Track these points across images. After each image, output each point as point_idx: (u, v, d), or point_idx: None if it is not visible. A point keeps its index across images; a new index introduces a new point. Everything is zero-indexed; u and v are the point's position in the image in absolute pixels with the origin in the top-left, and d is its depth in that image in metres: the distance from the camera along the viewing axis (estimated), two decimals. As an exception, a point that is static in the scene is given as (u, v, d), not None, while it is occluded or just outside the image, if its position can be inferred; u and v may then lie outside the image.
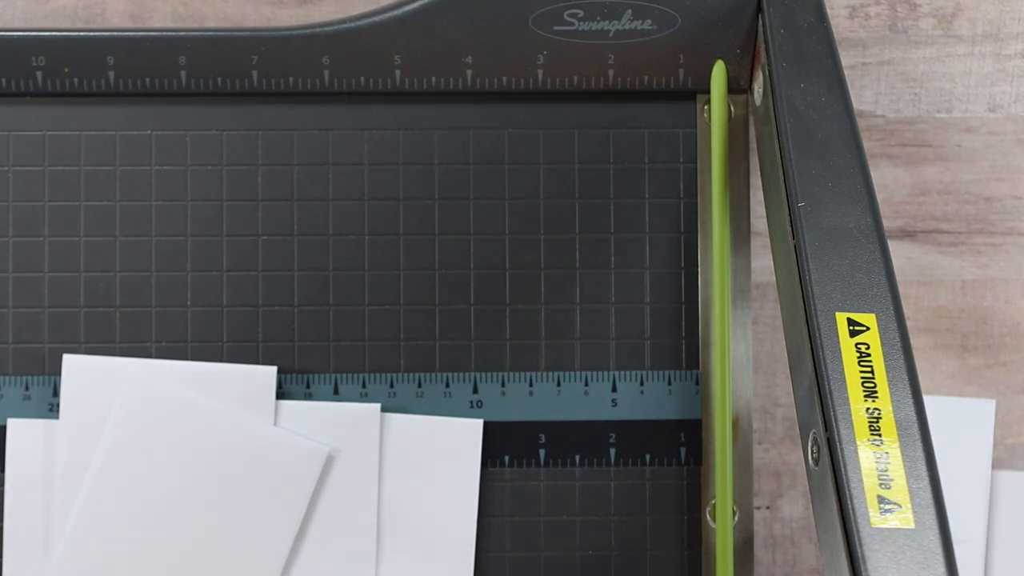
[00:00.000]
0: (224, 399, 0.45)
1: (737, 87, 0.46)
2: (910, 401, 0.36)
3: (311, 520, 0.45)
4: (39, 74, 0.45)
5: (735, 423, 0.46)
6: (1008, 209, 0.49)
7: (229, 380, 0.45)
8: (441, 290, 0.46)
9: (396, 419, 0.46)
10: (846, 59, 0.48)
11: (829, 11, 0.44)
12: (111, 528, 0.44)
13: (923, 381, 0.48)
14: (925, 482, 0.34)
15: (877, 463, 0.35)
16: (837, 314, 0.37)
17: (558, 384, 0.46)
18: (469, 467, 0.46)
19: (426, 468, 0.45)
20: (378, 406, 0.45)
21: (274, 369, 0.45)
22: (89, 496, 0.44)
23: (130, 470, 0.44)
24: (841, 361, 0.36)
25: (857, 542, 0.33)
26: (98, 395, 0.45)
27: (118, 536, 0.44)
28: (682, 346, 0.47)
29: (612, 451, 0.46)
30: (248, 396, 0.45)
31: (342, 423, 0.45)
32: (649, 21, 0.45)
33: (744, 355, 0.47)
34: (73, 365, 0.45)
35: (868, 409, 0.36)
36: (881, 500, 0.34)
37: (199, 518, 0.44)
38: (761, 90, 0.44)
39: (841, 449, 0.35)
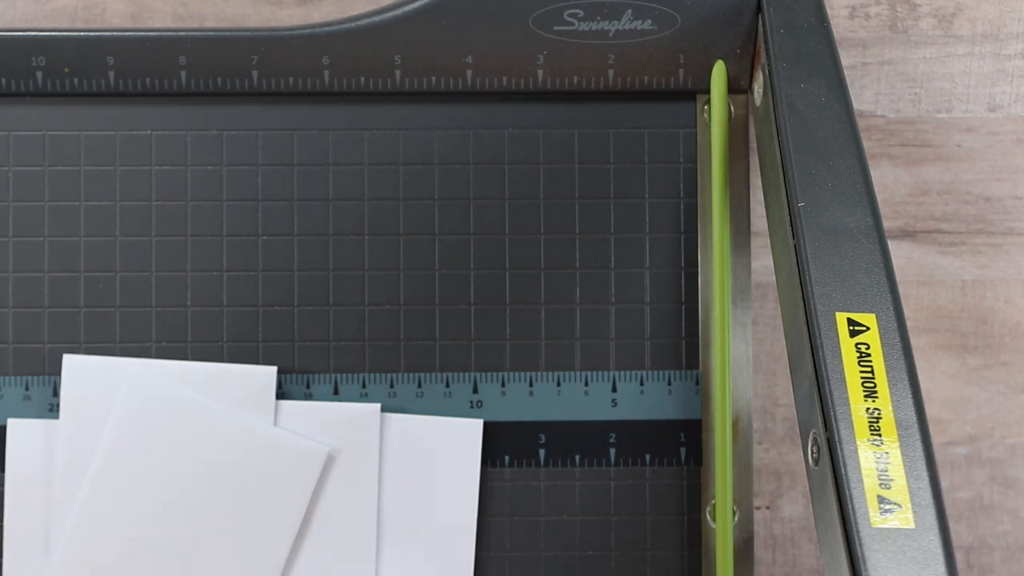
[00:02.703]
0: (224, 399, 0.45)
1: (737, 87, 0.46)
2: (910, 401, 0.36)
3: (311, 520, 0.45)
4: (39, 74, 0.45)
5: (735, 423, 0.46)
6: (1008, 209, 0.49)
7: (229, 380, 0.45)
8: (441, 290, 0.46)
9: (396, 419, 0.46)
10: (846, 59, 0.48)
11: (829, 11, 0.44)
12: (111, 528, 0.44)
13: (923, 381, 0.48)
14: (925, 482, 0.34)
15: (877, 463, 0.35)
16: (837, 314, 0.37)
17: (558, 384, 0.46)
18: (469, 467, 0.46)
19: (426, 468, 0.45)
20: (378, 406, 0.45)
21: (274, 369, 0.45)
22: (89, 496, 0.44)
23: (130, 470, 0.44)
24: (841, 361, 0.36)
25: (857, 542, 0.33)
26: (98, 395, 0.45)
27: (118, 536, 0.44)
28: (682, 346, 0.47)
29: (612, 451, 0.46)
30: (248, 396, 0.45)
31: (342, 423, 0.45)
32: (649, 21, 0.45)
33: (744, 355, 0.47)
34: (73, 365, 0.45)
35: (868, 409, 0.36)
36: (881, 500, 0.34)
37: (199, 518, 0.44)
38: (761, 90, 0.44)
39: (841, 449, 0.35)
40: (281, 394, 0.46)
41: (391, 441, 0.45)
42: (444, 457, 0.45)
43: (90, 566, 0.44)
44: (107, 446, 0.44)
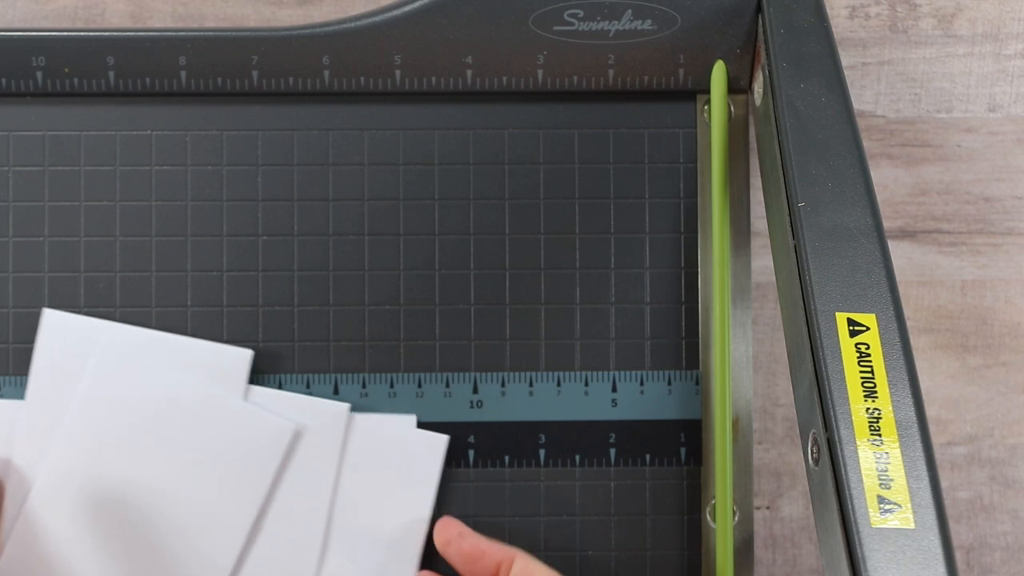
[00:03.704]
0: (197, 374, 0.45)
1: (737, 87, 0.46)
2: (910, 401, 0.36)
3: (264, 509, 0.44)
4: (39, 74, 0.45)
5: (735, 423, 0.46)
6: (1008, 209, 0.49)
7: (204, 357, 0.45)
8: (441, 290, 0.46)
9: (363, 420, 0.45)
10: (846, 59, 0.48)
11: (829, 11, 0.44)
12: (75, 491, 0.44)
13: (923, 381, 0.48)
14: (925, 482, 0.35)
15: (877, 463, 0.35)
16: (837, 314, 0.37)
17: (558, 384, 0.46)
18: (427, 480, 0.45)
19: (385, 474, 0.45)
20: (347, 406, 0.45)
21: (250, 352, 0.45)
22: (55, 460, 0.44)
23: (98, 433, 0.44)
24: (841, 361, 0.36)
25: (857, 542, 0.33)
26: (73, 354, 0.45)
27: (83, 497, 0.44)
28: (682, 346, 0.47)
29: (612, 451, 0.46)
30: (220, 375, 0.44)
31: (308, 418, 0.45)
32: (649, 21, 0.45)
33: (744, 355, 0.47)
34: (52, 321, 0.45)
35: (868, 409, 0.36)
36: (881, 500, 0.34)
37: (164, 487, 0.44)
38: (761, 90, 0.44)
39: (841, 449, 0.35)
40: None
41: (355, 443, 0.45)
42: (404, 467, 0.45)
43: (52, 531, 0.44)
44: (75, 411, 0.44)
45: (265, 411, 0.45)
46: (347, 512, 0.45)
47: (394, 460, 0.45)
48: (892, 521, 0.34)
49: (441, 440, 0.45)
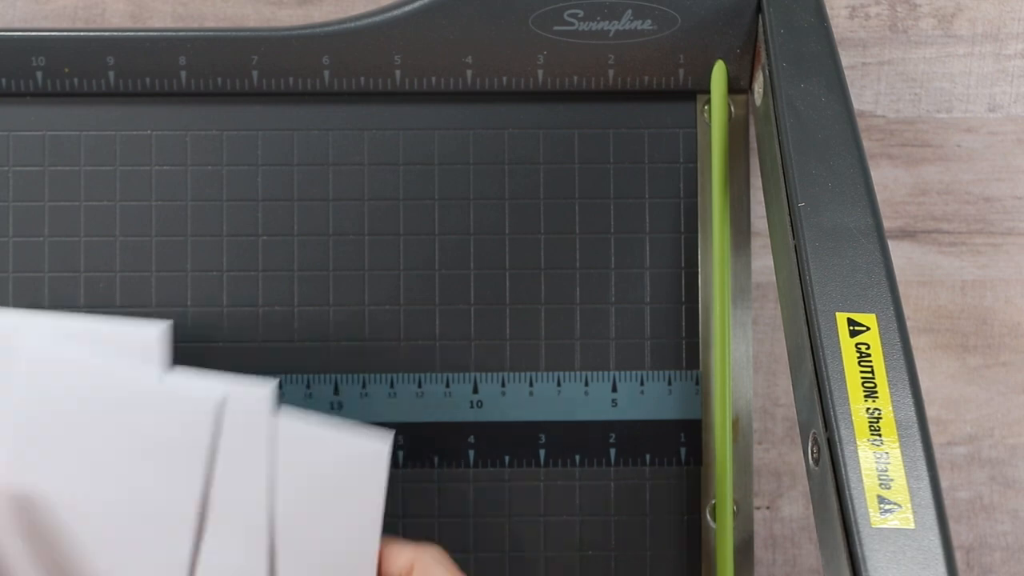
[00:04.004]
0: (113, 355, 0.41)
1: (737, 87, 0.46)
2: (910, 401, 0.36)
3: (204, 502, 0.41)
4: (39, 74, 0.45)
5: (735, 423, 0.46)
6: (1008, 209, 0.49)
7: (117, 336, 0.40)
8: (441, 290, 0.46)
9: (294, 428, 0.40)
10: (846, 59, 0.48)
11: (829, 11, 0.44)
12: (25, 505, 0.41)
13: (923, 381, 0.48)
14: (925, 482, 0.35)
15: (877, 463, 0.35)
16: (837, 314, 0.37)
17: (558, 384, 0.46)
18: (372, 492, 0.41)
19: (327, 487, 0.41)
20: (275, 381, 0.40)
21: (168, 323, 0.41)
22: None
23: (33, 441, 0.39)
24: (841, 361, 0.36)
25: (857, 542, 0.34)
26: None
27: (30, 514, 0.41)
28: (682, 346, 0.47)
29: (612, 451, 0.46)
30: (137, 351, 0.41)
31: (228, 398, 0.40)
32: (649, 21, 0.45)
33: (744, 355, 0.47)
34: None
35: (868, 409, 0.36)
36: (881, 500, 0.34)
37: (103, 479, 0.40)
38: (761, 90, 0.44)
39: (841, 449, 0.35)
40: (281, 395, 0.45)
41: (288, 451, 0.40)
42: (346, 479, 0.41)
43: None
44: (4, 422, 0.41)
45: (186, 383, 0.40)
46: (293, 526, 0.41)
47: (335, 473, 0.41)
48: (892, 521, 0.34)
49: (381, 452, 0.40)
